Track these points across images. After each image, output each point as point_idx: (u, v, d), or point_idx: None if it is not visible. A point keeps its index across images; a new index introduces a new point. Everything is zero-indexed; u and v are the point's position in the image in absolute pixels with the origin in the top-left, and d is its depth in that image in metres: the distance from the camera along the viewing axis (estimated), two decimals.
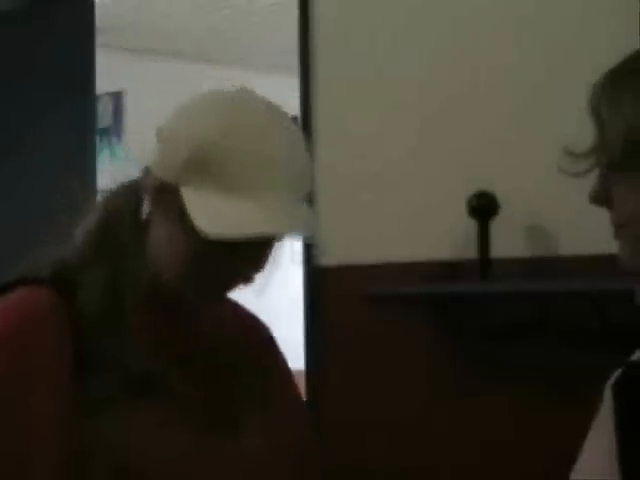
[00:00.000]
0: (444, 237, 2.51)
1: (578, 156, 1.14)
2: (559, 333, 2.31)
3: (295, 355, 3.11)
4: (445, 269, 2.45)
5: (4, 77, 3.92)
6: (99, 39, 3.86)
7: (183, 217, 1.26)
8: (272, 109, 1.31)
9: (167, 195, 1.28)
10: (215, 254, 1.27)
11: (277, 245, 1.33)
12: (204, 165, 1.25)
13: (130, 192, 1.35)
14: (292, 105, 3.01)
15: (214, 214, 1.23)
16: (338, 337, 2.67)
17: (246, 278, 1.33)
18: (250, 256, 1.31)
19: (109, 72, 4.82)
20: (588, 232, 2.29)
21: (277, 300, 6.41)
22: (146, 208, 1.32)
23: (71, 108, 3.77)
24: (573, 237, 2.34)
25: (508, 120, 2.45)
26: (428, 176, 2.56)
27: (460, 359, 2.48)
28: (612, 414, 1.21)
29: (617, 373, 1.24)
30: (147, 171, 1.32)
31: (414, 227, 2.57)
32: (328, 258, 2.71)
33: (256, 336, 1.48)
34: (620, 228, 1.14)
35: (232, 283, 1.34)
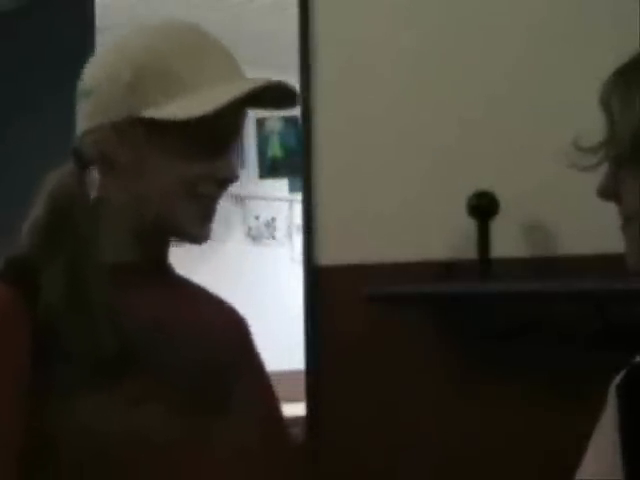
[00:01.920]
0: (444, 237, 2.50)
1: (587, 151, 1.15)
2: (559, 333, 2.31)
3: (295, 355, 3.12)
4: (445, 269, 2.45)
5: (4, 77, 3.92)
6: (99, 39, 3.86)
7: (147, 143, 1.27)
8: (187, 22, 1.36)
9: (125, 134, 1.28)
10: (192, 164, 1.28)
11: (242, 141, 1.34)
12: (149, 78, 1.27)
13: (71, 171, 1.33)
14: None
15: (182, 107, 1.25)
16: (338, 337, 2.67)
17: (224, 182, 1.32)
18: (223, 155, 1.31)
19: None
20: (588, 232, 2.29)
21: (277, 300, 6.43)
22: (94, 178, 1.30)
23: (71, 108, 3.77)
24: (573, 237, 2.34)
25: (508, 120, 2.45)
26: (428, 176, 2.56)
27: (460, 359, 2.48)
28: (616, 415, 1.21)
29: (621, 374, 1.24)
30: (83, 138, 1.31)
31: (414, 227, 2.57)
32: (328, 258, 2.71)
33: (236, 328, 1.47)
34: (628, 222, 1.15)
35: (214, 196, 1.32)
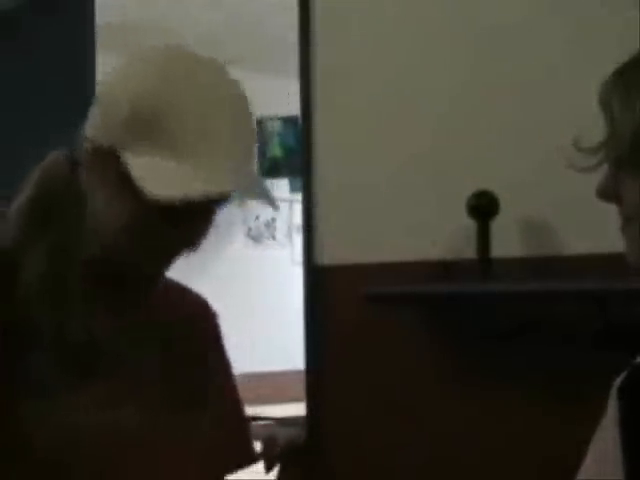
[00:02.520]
0: (444, 237, 2.50)
1: (587, 151, 1.15)
2: (559, 333, 2.31)
3: (295, 355, 3.12)
4: (445, 269, 2.45)
5: (4, 76, 3.92)
6: (99, 39, 3.86)
7: (121, 182, 1.22)
8: (215, 67, 1.27)
9: (104, 160, 1.25)
10: (156, 218, 1.23)
11: (220, 209, 1.28)
12: (144, 123, 1.21)
13: (64, 164, 1.31)
14: (292, 105, 3.03)
15: (156, 176, 1.19)
16: (338, 337, 2.67)
17: (190, 244, 1.28)
18: (192, 220, 1.26)
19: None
20: (588, 232, 2.29)
21: (277, 300, 6.43)
22: (83, 178, 1.28)
23: (71, 108, 3.77)
24: (573, 237, 2.34)
25: (508, 120, 2.45)
26: (428, 176, 2.56)
27: (460, 359, 2.48)
28: (617, 416, 1.21)
29: (622, 375, 1.24)
30: (83, 139, 1.29)
31: (414, 227, 2.57)
32: (328, 258, 2.71)
33: (204, 323, 1.47)
34: (628, 222, 1.15)
35: (175, 250, 1.29)
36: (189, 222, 1.26)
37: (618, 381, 1.25)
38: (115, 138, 1.24)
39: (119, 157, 1.22)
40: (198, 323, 1.44)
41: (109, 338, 1.27)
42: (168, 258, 1.30)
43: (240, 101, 1.26)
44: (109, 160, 1.24)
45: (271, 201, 1.26)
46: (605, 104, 1.15)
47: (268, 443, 2.65)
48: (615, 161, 1.14)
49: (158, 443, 1.29)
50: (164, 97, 1.21)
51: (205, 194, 1.19)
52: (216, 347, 1.47)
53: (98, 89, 1.31)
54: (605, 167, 1.17)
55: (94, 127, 1.28)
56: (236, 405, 1.48)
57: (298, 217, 3.92)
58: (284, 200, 6.45)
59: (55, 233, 1.28)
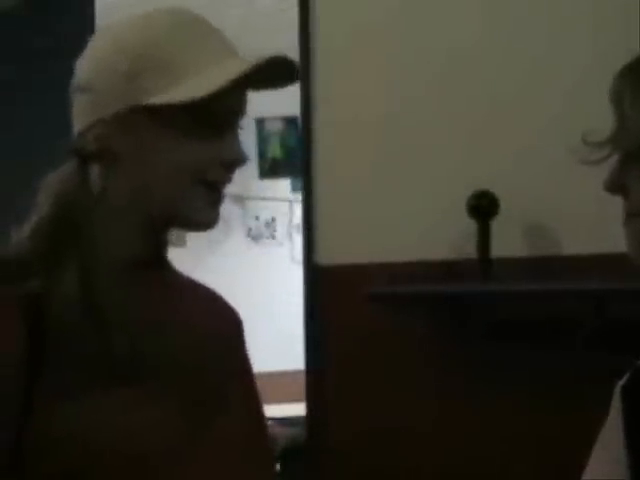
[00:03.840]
0: (444, 237, 2.50)
1: (595, 145, 1.15)
2: (560, 333, 2.31)
3: (295, 355, 3.12)
4: (445, 269, 2.45)
5: (4, 76, 3.91)
6: None
7: (150, 132, 1.25)
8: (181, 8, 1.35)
9: (121, 128, 1.26)
10: (197, 149, 1.26)
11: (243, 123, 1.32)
12: (146, 65, 1.25)
13: (73, 170, 1.31)
14: (292, 105, 3.02)
15: (181, 89, 1.24)
16: (338, 337, 2.66)
17: (230, 164, 1.30)
18: (227, 137, 1.29)
19: None
20: (588, 232, 2.29)
21: (277, 300, 6.42)
22: (95, 176, 1.28)
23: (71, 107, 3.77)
24: (573, 237, 2.34)
25: (508, 120, 2.45)
26: (428, 176, 2.56)
27: (460, 359, 2.48)
28: (622, 417, 1.21)
29: (626, 376, 1.24)
30: (83, 135, 1.30)
31: (414, 227, 2.57)
32: (328, 258, 2.71)
33: (228, 328, 1.46)
34: (632, 217, 1.15)
35: (221, 180, 1.30)
36: (225, 138, 1.28)
37: (621, 382, 1.25)
38: (124, 98, 1.26)
39: (140, 110, 1.25)
40: (221, 329, 1.44)
41: (148, 342, 1.26)
42: (217, 197, 1.31)
43: (206, 19, 1.35)
44: (131, 122, 1.26)
45: (291, 64, 1.31)
46: (616, 99, 1.15)
47: None
48: (624, 155, 1.14)
49: (180, 448, 1.28)
50: (152, 37, 1.27)
51: (233, 76, 1.24)
52: (237, 352, 1.47)
53: (77, 75, 1.32)
54: (610, 163, 1.17)
55: (92, 109, 1.29)
56: (258, 408, 1.48)
57: (298, 217, 3.92)
58: (284, 200, 6.45)
59: (78, 252, 1.26)
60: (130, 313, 1.26)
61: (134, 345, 1.23)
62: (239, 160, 1.30)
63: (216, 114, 1.27)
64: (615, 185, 1.16)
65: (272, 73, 1.31)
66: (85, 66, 1.31)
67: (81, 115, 1.31)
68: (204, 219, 1.31)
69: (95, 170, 1.30)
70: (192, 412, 1.30)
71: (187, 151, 1.27)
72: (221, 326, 1.43)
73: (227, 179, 1.31)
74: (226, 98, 1.26)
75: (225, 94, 1.25)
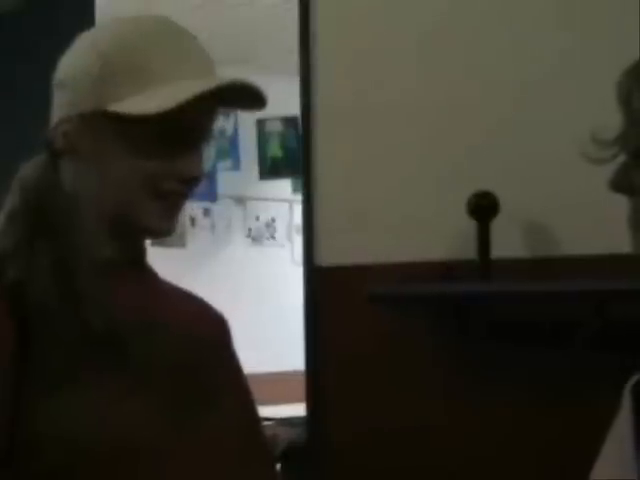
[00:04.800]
0: (444, 237, 2.50)
1: (603, 143, 1.15)
2: (560, 333, 2.31)
3: (295, 355, 3.12)
4: (445, 270, 2.45)
5: (4, 76, 3.92)
6: None
7: (112, 137, 1.27)
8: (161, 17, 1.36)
9: (85, 128, 1.28)
10: (153, 161, 1.27)
11: (209, 141, 1.33)
12: (118, 70, 1.27)
13: (43, 161, 1.33)
14: (292, 105, 3.02)
15: (144, 100, 1.24)
16: (338, 337, 2.66)
17: (187, 180, 1.31)
18: (187, 154, 1.30)
19: None
20: (588, 232, 2.29)
21: (277, 300, 6.42)
22: (65, 171, 1.31)
23: None
24: (573, 237, 2.34)
25: (508, 120, 2.45)
26: (428, 176, 2.56)
27: (460, 359, 2.48)
28: (632, 415, 1.21)
29: (637, 376, 1.24)
30: (55, 128, 1.31)
31: (414, 227, 2.57)
32: (328, 258, 2.71)
33: (214, 327, 1.47)
34: (637, 214, 1.15)
35: (177, 192, 1.31)
36: (186, 153, 1.29)
37: (632, 381, 1.25)
38: (93, 99, 1.27)
39: (105, 114, 1.26)
40: (206, 327, 1.44)
41: (131, 332, 1.27)
42: (176, 204, 1.32)
43: (188, 32, 1.34)
44: (95, 124, 1.28)
45: (258, 92, 1.30)
46: (624, 97, 1.15)
47: None
48: (632, 154, 1.14)
49: (164, 445, 1.27)
50: (127, 43, 1.28)
51: (196, 93, 1.24)
52: (224, 351, 1.47)
53: (57, 71, 1.35)
54: (616, 161, 1.16)
55: (65, 105, 1.31)
56: (251, 406, 1.48)
57: (298, 218, 3.92)
58: (284, 201, 6.45)
59: (50, 241, 1.27)
60: (106, 298, 1.26)
61: (110, 325, 1.24)
62: (196, 178, 1.31)
63: (178, 128, 1.28)
64: (621, 184, 1.16)
65: (244, 94, 1.31)
66: (65, 63, 1.35)
67: (57, 110, 1.34)
68: (155, 227, 1.32)
69: (64, 165, 1.32)
70: (178, 409, 1.30)
71: (143, 162, 1.28)
72: (205, 324, 1.44)
73: (185, 191, 1.32)
74: (189, 113, 1.27)
75: (188, 109, 1.25)
